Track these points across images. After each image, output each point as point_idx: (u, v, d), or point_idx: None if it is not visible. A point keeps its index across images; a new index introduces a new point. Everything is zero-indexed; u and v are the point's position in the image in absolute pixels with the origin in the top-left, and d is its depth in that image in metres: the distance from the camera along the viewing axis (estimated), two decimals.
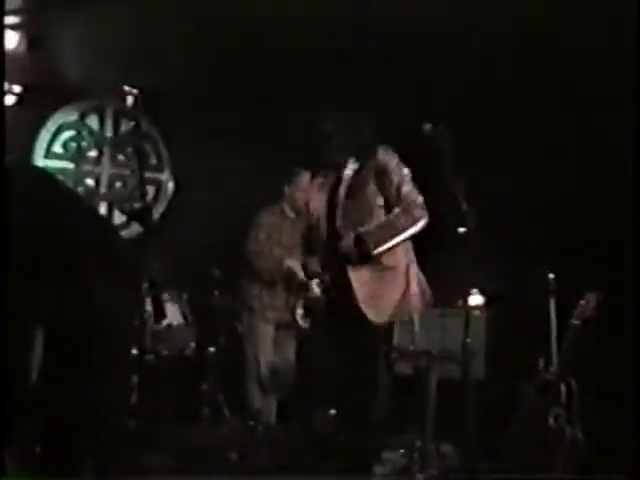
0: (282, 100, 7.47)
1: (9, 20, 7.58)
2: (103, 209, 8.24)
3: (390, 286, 5.45)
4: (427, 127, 5.41)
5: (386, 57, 7.11)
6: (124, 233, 8.07)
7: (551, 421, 6.15)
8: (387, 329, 5.59)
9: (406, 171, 5.47)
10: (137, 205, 6.34)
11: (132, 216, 6.63)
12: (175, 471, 5.60)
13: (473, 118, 6.99)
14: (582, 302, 6.28)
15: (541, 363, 6.37)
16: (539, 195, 7.17)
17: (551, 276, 6.46)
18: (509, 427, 6.35)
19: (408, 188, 5.44)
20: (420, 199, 5.43)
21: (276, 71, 7.37)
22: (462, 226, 5.21)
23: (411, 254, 5.54)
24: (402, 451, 6.16)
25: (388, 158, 5.46)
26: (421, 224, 5.45)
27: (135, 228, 7.85)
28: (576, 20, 6.49)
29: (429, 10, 6.63)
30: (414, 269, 5.54)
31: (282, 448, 6.15)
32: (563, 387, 6.17)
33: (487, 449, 6.03)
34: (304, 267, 5.74)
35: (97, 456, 4.73)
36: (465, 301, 5.61)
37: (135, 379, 6.00)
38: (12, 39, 7.62)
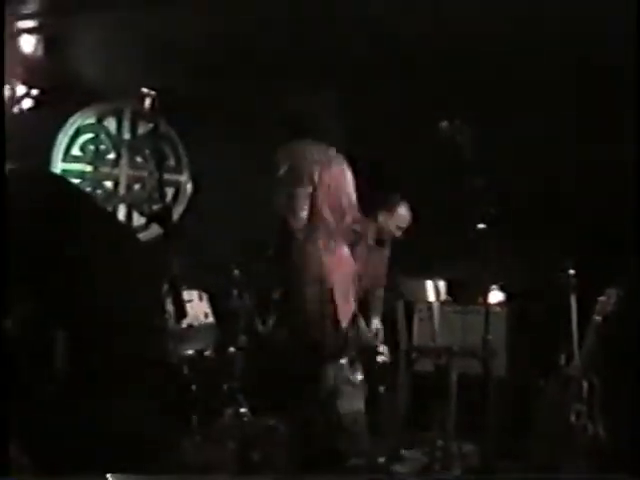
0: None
1: (26, 24, 7.61)
2: (122, 211, 8.26)
3: None
4: (444, 124, 5.41)
5: (403, 54, 7.10)
6: (143, 235, 8.12)
7: (573, 418, 6.12)
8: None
9: None
10: (156, 207, 6.35)
11: (151, 218, 6.64)
12: (194, 471, 5.60)
13: (492, 114, 6.97)
14: (603, 298, 6.26)
15: (562, 359, 6.35)
16: (559, 191, 7.15)
17: (572, 272, 6.44)
18: (530, 424, 6.33)
19: None
20: None
21: (295, 71, 7.37)
22: (482, 222, 5.21)
23: None
24: (422, 450, 6.16)
25: None
26: None
27: (154, 230, 7.90)
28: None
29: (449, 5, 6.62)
30: None
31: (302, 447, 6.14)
32: (585, 383, 6.14)
33: (508, 446, 6.02)
34: None
35: (116, 457, 4.76)
36: (485, 298, 5.60)
37: (156, 380, 6.04)
38: (29, 42, 7.65)
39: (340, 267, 5.57)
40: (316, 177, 5.53)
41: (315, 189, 5.51)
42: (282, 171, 5.60)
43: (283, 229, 5.57)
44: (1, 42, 5.58)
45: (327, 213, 5.57)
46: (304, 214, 5.51)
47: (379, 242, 6.86)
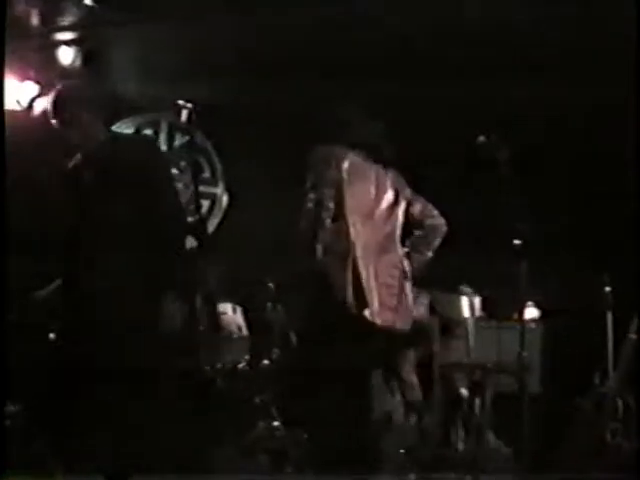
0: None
1: (64, 36, 7.67)
2: None
3: None
4: (480, 139, 5.40)
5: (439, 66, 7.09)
6: None
7: (608, 437, 6.08)
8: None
9: None
10: (192, 219, 6.36)
11: (186, 230, 6.66)
12: None
13: (528, 129, 6.95)
14: None
15: (597, 377, 6.30)
16: (596, 206, 7.11)
17: (608, 289, 6.39)
18: (565, 442, 6.29)
19: None
20: None
21: (328, 81, 7.37)
22: (517, 238, 5.19)
23: None
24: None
25: None
26: None
27: (190, 242, 7.92)
28: None
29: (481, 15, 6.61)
30: None
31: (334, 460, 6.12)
32: (620, 402, 6.10)
33: (544, 464, 5.97)
34: None
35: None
36: (521, 314, 5.57)
37: (190, 392, 6.05)
38: (68, 55, 7.70)
39: (377, 277, 5.55)
40: (344, 184, 5.52)
41: (342, 197, 5.49)
42: (309, 179, 5.61)
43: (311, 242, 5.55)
44: (1, 42, 5.60)
45: (358, 223, 5.55)
46: (328, 222, 5.50)
47: None
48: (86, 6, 7.14)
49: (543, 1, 6.56)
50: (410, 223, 5.80)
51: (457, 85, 7.09)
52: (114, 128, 8.19)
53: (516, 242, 5.21)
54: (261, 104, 7.68)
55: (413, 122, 7.27)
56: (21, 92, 7.58)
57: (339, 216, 5.52)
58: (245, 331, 7.33)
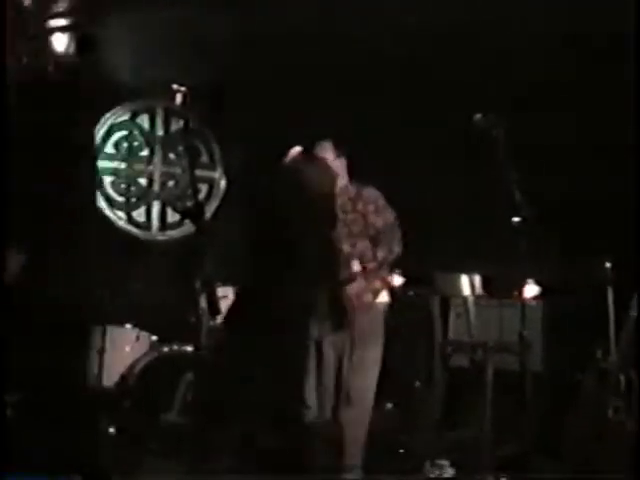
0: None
1: (58, 22, 7.62)
2: (156, 208, 8.27)
3: None
4: (477, 116, 5.39)
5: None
6: (177, 231, 8.13)
7: (610, 413, 6.07)
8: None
9: None
10: (190, 203, 6.35)
11: (185, 214, 6.66)
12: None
13: (526, 106, 6.93)
14: None
15: (599, 354, 6.29)
16: (596, 183, 7.09)
17: (608, 265, 6.38)
18: (567, 419, 6.28)
19: None
20: None
21: (328, 67, 7.35)
22: (516, 215, 5.17)
23: None
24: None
25: None
26: None
27: (188, 226, 7.92)
28: None
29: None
30: None
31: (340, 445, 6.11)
32: (622, 378, 6.08)
33: (545, 442, 5.97)
34: None
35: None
36: (521, 292, 5.56)
37: (191, 375, 6.04)
38: (61, 41, 7.66)
39: None
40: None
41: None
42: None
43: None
44: (1, 41, 5.58)
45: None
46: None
47: None
48: None
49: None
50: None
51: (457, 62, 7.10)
52: (108, 115, 8.21)
53: (515, 219, 5.20)
54: (258, 86, 7.65)
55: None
56: None
57: None
58: None
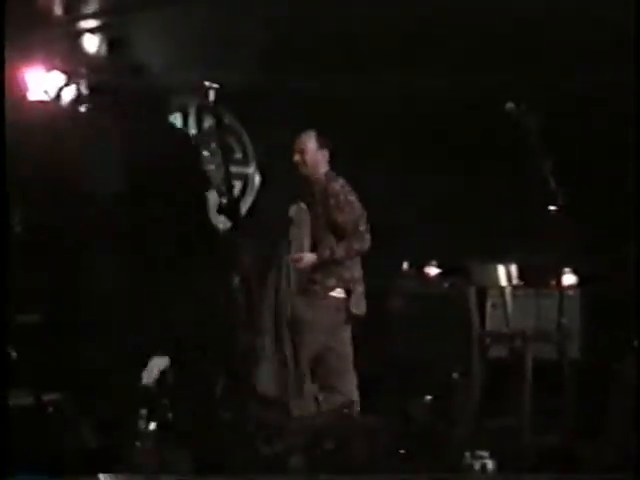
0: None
1: (88, 24, 7.66)
2: None
3: None
4: (509, 105, 5.38)
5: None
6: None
7: None
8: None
9: None
10: (224, 200, 6.37)
11: (220, 211, 6.67)
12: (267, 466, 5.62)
13: (565, 97, 6.90)
14: None
15: (636, 342, 6.26)
16: (632, 171, 7.04)
17: None
18: (606, 407, 6.26)
19: None
20: None
21: (354, 61, 7.34)
22: (552, 204, 5.16)
23: None
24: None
25: None
26: None
27: (224, 223, 7.94)
28: None
29: None
30: None
31: (377, 437, 6.12)
32: None
33: (584, 430, 5.95)
34: None
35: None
36: (559, 281, 5.55)
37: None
38: (92, 42, 7.69)
39: None
40: None
41: None
42: None
43: None
44: (1, 41, 5.63)
45: None
46: None
47: None
48: None
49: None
50: None
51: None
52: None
53: (552, 209, 5.19)
54: (289, 82, 7.65)
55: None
56: (48, 82, 7.58)
57: None
58: None
